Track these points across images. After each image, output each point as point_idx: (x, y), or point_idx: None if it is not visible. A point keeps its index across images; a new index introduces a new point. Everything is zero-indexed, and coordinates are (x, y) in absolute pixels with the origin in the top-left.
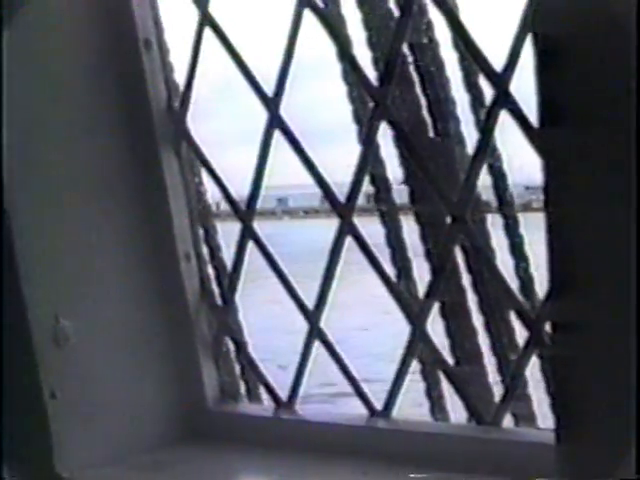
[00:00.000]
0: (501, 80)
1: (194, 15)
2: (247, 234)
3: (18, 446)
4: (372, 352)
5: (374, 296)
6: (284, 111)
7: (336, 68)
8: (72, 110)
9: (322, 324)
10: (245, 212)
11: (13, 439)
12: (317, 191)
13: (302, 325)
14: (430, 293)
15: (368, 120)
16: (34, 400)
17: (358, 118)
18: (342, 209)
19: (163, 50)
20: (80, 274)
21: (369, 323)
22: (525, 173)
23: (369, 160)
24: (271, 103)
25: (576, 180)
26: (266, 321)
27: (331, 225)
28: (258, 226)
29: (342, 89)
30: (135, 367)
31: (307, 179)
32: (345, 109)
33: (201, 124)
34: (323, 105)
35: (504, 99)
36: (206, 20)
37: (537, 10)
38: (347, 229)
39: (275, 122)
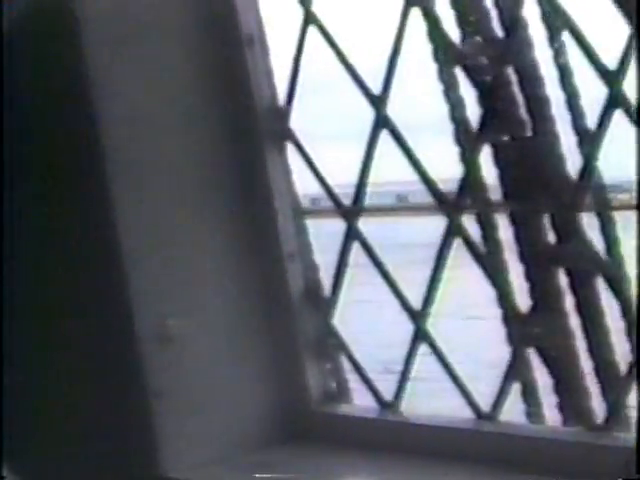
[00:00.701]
0: (614, 78)
1: (291, 11)
2: (352, 233)
3: (122, 445)
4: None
5: None
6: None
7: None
8: (176, 109)
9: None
10: (350, 211)
11: (116, 439)
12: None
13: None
14: (535, 302)
15: (481, 119)
16: (139, 399)
17: (454, 117)
18: (450, 208)
19: (265, 48)
20: (186, 274)
21: None
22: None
23: (476, 159)
24: (377, 101)
25: None
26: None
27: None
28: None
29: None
30: (239, 367)
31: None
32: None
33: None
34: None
35: (616, 99)
36: (310, 18)
37: None
38: (455, 230)
39: (381, 120)
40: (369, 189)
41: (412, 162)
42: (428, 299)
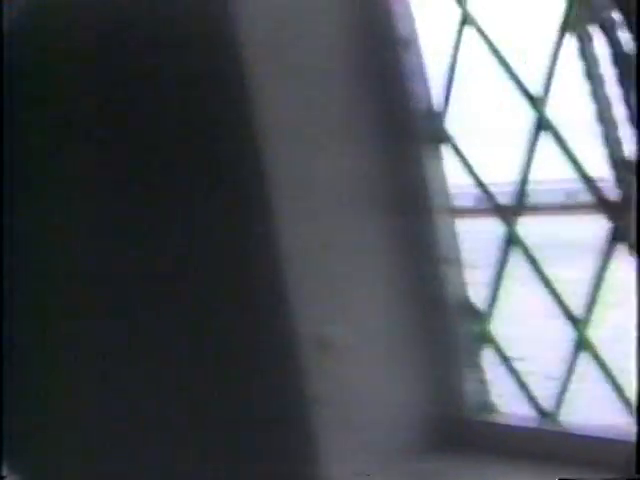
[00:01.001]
0: None
1: (444, 13)
2: (512, 238)
3: (278, 452)
4: None
5: None
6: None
7: None
8: (333, 112)
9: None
10: (510, 216)
11: (271, 444)
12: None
13: None
14: None
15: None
16: (298, 405)
17: (602, 117)
18: (615, 210)
19: (420, 50)
20: (345, 280)
21: None
22: None
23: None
24: (537, 102)
25: None
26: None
27: None
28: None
29: None
30: (396, 374)
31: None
32: None
33: None
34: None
35: None
36: (467, 19)
37: None
38: (620, 234)
39: (541, 122)
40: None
41: (573, 162)
42: (590, 306)
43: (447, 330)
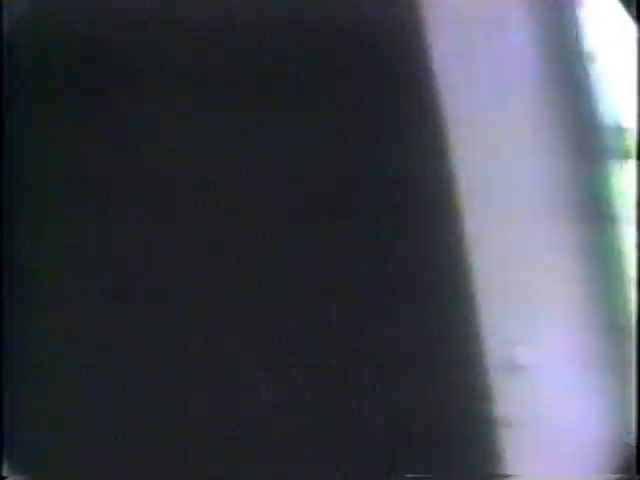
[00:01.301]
0: None
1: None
2: None
3: (463, 472)
4: None
5: None
6: None
7: None
8: (515, 127)
9: None
10: None
11: (457, 465)
12: None
13: None
14: None
15: None
16: (485, 427)
17: None
18: None
19: (608, 64)
20: (533, 297)
21: None
22: None
23: None
24: None
25: None
26: None
27: None
28: None
29: None
30: (584, 400)
31: None
32: None
33: None
34: None
35: None
36: None
37: None
38: None
39: None
40: None
41: None
42: None
43: (633, 353)
